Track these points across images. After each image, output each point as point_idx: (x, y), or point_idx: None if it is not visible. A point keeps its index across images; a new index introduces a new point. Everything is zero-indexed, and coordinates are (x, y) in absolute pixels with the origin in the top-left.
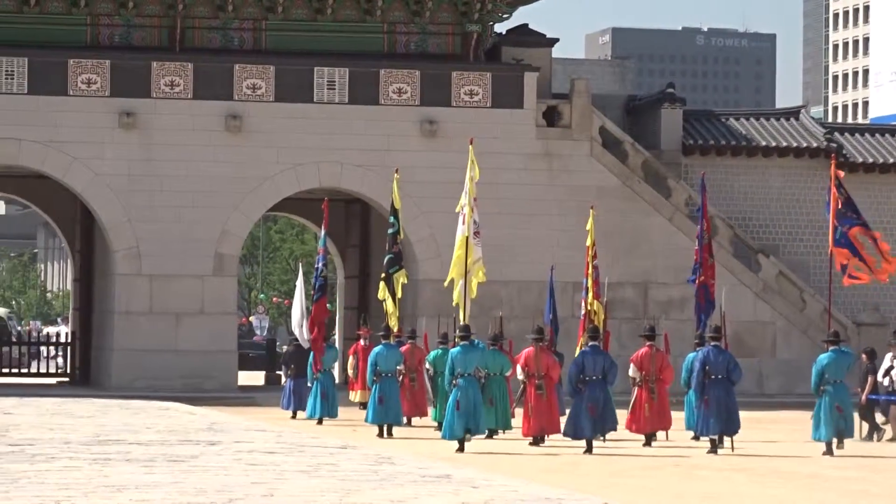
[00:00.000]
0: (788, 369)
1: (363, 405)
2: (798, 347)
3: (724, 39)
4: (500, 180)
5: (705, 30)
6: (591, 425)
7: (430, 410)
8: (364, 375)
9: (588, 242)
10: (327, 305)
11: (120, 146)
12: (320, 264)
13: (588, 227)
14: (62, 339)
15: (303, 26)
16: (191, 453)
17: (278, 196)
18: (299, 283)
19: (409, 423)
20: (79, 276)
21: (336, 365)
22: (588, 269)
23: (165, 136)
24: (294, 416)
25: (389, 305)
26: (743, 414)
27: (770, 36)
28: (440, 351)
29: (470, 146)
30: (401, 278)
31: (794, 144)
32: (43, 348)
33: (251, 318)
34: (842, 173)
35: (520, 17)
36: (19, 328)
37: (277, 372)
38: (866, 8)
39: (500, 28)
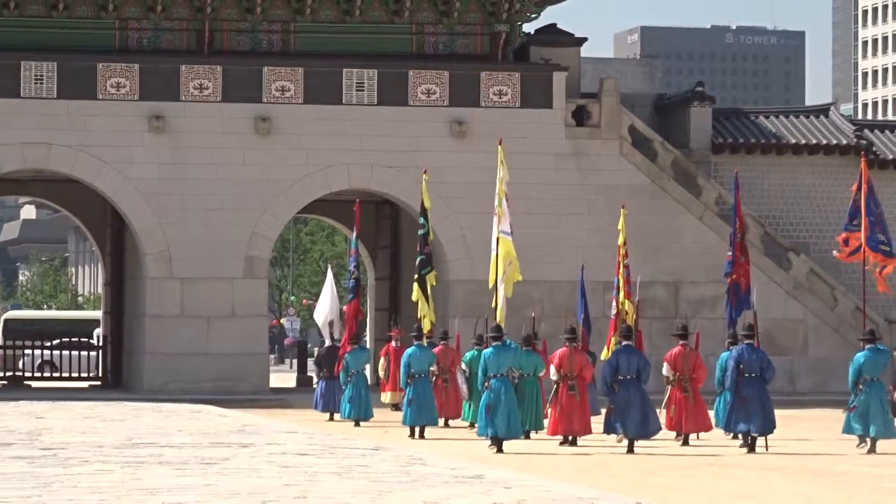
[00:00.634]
0: (820, 367)
1: (394, 406)
2: (829, 345)
3: (753, 37)
4: (530, 180)
5: (734, 28)
6: (635, 426)
7: (464, 411)
8: (395, 377)
9: (619, 241)
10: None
11: (149, 150)
12: (352, 266)
13: (619, 226)
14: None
15: (331, 28)
16: (223, 455)
17: (308, 198)
18: (328, 282)
19: (446, 425)
20: (110, 280)
21: (367, 367)
22: (619, 268)
23: (195, 140)
24: (331, 418)
25: (423, 307)
26: (775, 412)
27: (799, 33)
28: (475, 352)
29: (499, 146)
30: (431, 280)
31: (824, 142)
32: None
33: (282, 321)
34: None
35: (548, 16)
36: None
37: (308, 373)
38: (895, 4)
39: (529, 28)
